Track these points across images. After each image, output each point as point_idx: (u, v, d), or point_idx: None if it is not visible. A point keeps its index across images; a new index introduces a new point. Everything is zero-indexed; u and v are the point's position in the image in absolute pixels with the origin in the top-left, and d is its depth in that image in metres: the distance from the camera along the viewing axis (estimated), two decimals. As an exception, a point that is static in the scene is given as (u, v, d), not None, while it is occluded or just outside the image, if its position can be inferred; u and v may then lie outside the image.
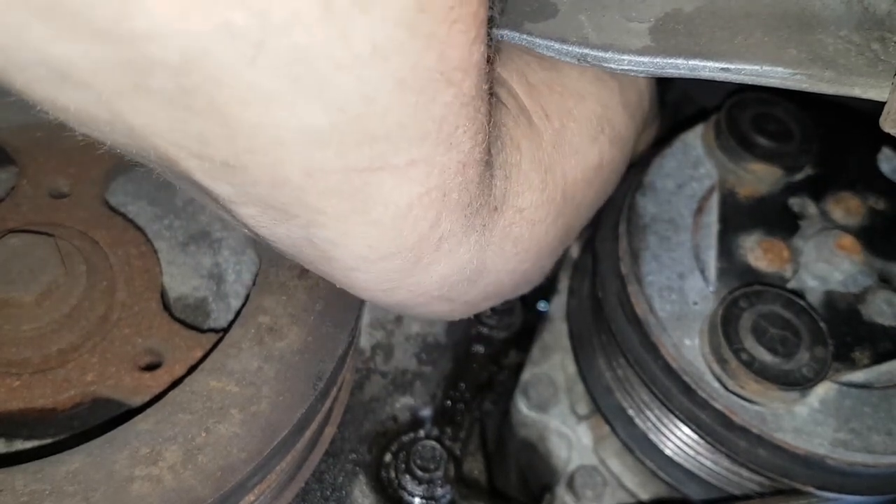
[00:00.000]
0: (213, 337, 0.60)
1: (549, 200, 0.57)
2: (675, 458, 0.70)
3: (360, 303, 0.61)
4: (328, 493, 0.66)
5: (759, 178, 0.75)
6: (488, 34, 0.41)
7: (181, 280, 0.68)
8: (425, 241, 0.47)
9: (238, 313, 0.58)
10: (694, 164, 0.76)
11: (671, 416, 0.69)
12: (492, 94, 0.46)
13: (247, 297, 0.60)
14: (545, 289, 0.87)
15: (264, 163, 0.38)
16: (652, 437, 0.71)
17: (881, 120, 0.49)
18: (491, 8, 0.41)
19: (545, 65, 0.58)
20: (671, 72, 0.51)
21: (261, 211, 0.43)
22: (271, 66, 0.33)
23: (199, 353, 0.59)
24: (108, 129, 0.37)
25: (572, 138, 0.59)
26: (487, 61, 0.43)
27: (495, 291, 0.61)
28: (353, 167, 0.40)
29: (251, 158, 0.38)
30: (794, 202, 0.75)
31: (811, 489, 0.64)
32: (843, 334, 0.67)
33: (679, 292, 0.69)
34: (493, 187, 0.51)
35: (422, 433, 0.71)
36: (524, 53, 0.58)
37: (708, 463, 0.68)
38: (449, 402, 0.75)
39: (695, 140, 0.78)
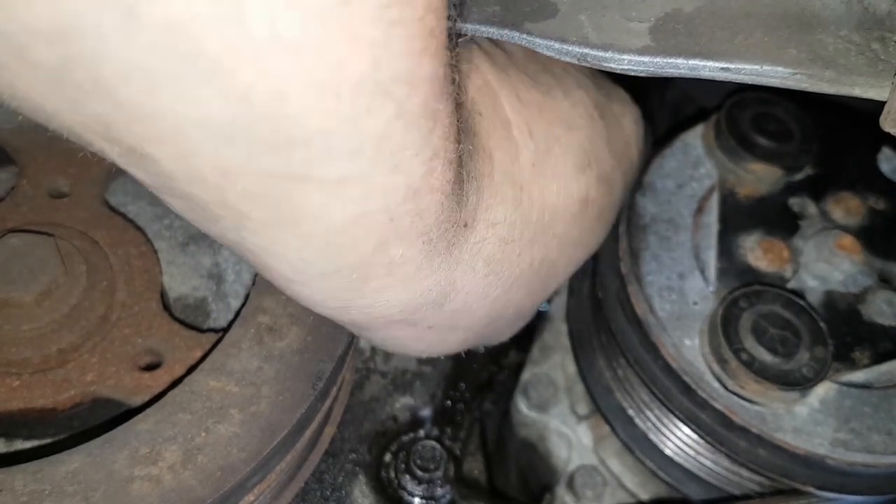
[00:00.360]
0: (213, 337, 0.60)
1: (523, 220, 0.53)
2: (675, 458, 0.70)
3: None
4: (328, 493, 0.66)
5: (759, 177, 0.75)
6: (450, 49, 0.38)
7: (181, 280, 0.68)
8: (370, 262, 0.43)
9: (238, 313, 0.58)
10: (694, 163, 0.76)
11: (671, 416, 0.69)
12: (459, 115, 0.42)
13: (246, 297, 0.60)
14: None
15: (172, 154, 0.35)
16: (652, 437, 0.71)
17: (881, 119, 0.49)
18: (450, 21, 0.37)
19: (541, 89, 0.57)
20: (671, 71, 0.51)
21: (188, 206, 0.40)
22: (149, 39, 0.30)
23: (198, 353, 0.59)
24: (14, 103, 0.35)
25: (556, 163, 0.56)
26: (451, 81, 0.40)
27: (465, 322, 0.56)
28: (270, 172, 0.36)
29: (156, 148, 0.35)
30: (794, 202, 0.75)
31: (811, 489, 0.64)
32: (843, 334, 0.67)
33: (679, 292, 0.69)
34: (464, 203, 0.47)
35: (422, 433, 0.71)
36: (521, 74, 0.56)
37: (708, 463, 0.68)
38: (449, 402, 0.75)
39: (695, 140, 0.78)
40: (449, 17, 0.37)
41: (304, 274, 0.44)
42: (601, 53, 0.51)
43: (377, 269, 0.44)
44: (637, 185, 0.75)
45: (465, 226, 0.48)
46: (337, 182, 0.37)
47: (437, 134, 0.40)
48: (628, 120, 0.67)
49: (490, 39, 0.55)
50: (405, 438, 0.70)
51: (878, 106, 0.49)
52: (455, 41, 0.39)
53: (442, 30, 0.36)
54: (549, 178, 0.55)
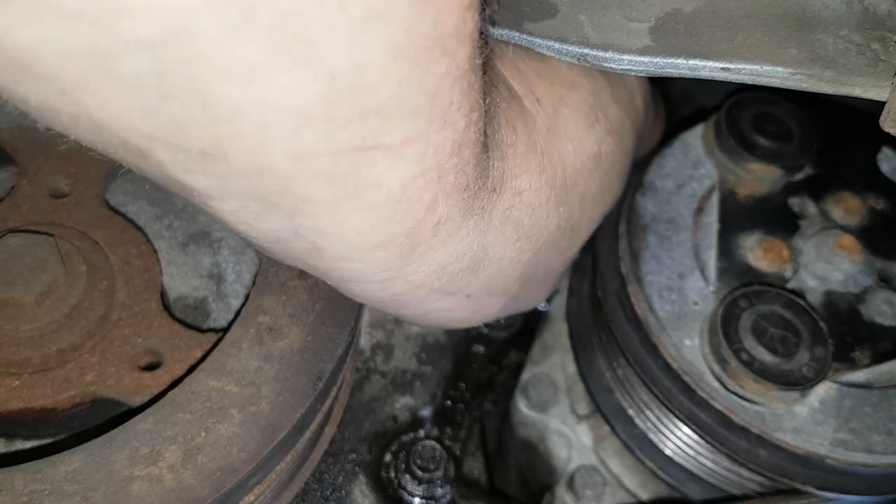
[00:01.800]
0: (213, 337, 0.60)
1: (548, 184, 0.55)
2: (675, 457, 0.70)
3: (360, 303, 0.61)
4: (328, 493, 0.66)
5: (759, 177, 0.75)
6: (482, 5, 0.39)
7: (181, 280, 0.68)
8: (421, 226, 0.44)
9: (238, 313, 0.58)
10: (694, 163, 0.76)
11: (671, 416, 0.69)
12: (486, 72, 0.44)
13: (246, 297, 0.60)
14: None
15: (246, 149, 0.35)
16: (652, 436, 0.71)
17: (881, 119, 0.49)
18: None
19: (535, 56, 0.57)
20: (671, 71, 0.51)
21: (241, 205, 0.40)
22: (259, 33, 0.30)
23: (198, 353, 0.59)
24: (73, 123, 0.34)
25: (566, 124, 0.57)
26: (480, 34, 0.40)
27: (500, 286, 0.58)
28: (343, 147, 0.36)
29: (232, 145, 0.35)
30: (794, 202, 0.75)
31: (811, 489, 0.64)
32: (843, 334, 0.67)
33: (679, 292, 0.69)
34: (490, 168, 0.48)
35: (422, 433, 0.71)
36: (513, 45, 0.57)
37: (708, 463, 0.68)
38: (449, 402, 0.75)
39: (695, 140, 0.78)
40: None
41: (359, 249, 0.43)
42: (601, 53, 0.51)
43: (425, 231, 0.44)
44: (637, 184, 0.75)
45: (494, 191, 0.49)
46: (400, 145, 0.38)
47: (476, 87, 0.41)
48: (632, 78, 0.68)
49: None
50: (405, 438, 0.70)
51: (879, 106, 0.49)
52: None
53: None
54: (564, 140, 0.56)
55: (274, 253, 0.47)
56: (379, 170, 0.38)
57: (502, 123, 0.50)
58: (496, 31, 0.53)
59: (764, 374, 0.61)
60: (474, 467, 0.75)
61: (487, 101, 0.44)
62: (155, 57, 0.30)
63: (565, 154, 0.57)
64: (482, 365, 0.80)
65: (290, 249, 0.44)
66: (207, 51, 0.30)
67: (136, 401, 0.57)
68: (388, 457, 0.69)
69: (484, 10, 0.40)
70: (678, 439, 0.69)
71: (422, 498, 0.68)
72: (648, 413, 0.71)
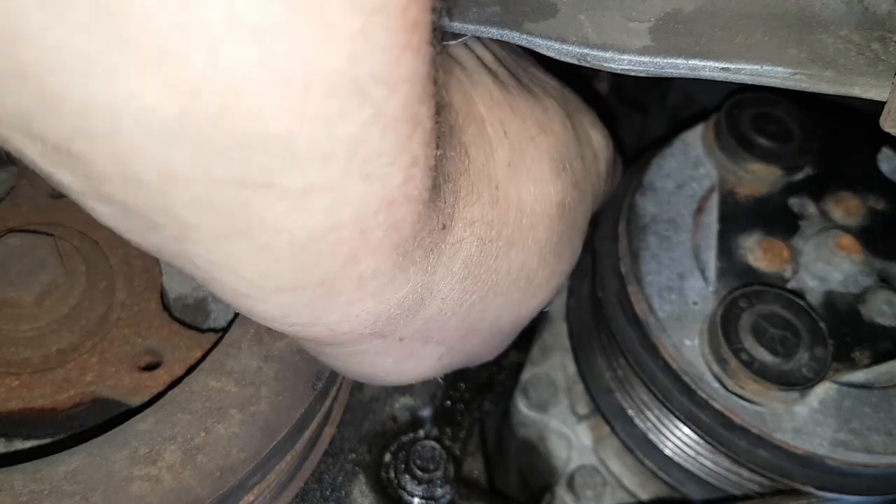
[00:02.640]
0: (213, 337, 0.60)
1: (500, 219, 0.50)
2: (675, 458, 0.70)
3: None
4: (327, 493, 0.66)
5: (758, 178, 0.75)
6: (434, 46, 0.34)
7: (180, 280, 0.68)
8: (339, 278, 0.39)
9: (237, 313, 0.58)
10: (694, 164, 0.76)
11: (671, 417, 0.69)
12: (438, 121, 0.39)
13: (246, 297, 0.59)
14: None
15: (105, 154, 0.31)
16: (652, 437, 0.71)
17: (881, 120, 0.49)
18: (435, 14, 0.34)
19: (512, 91, 0.55)
20: (671, 71, 0.51)
21: (120, 213, 0.35)
22: (81, 18, 0.26)
23: (198, 353, 0.59)
24: None
25: (531, 164, 0.53)
26: (434, 81, 0.36)
27: (438, 331, 0.51)
28: (223, 177, 0.32)
29: (87, 146, 0.30)
30: (794, 202, 0.75)
31: (811, 489, 0.64)
32: (843, 334, 0.67)
33: (679, 292, 0.69)
34: (439, 207, 0.43)
35: (421, 433, 0.71)
36: (492, 75, 0.55)
37: (708, 463, 0.68)
38: (448, 403, 0.75)
39: (695, 140, 0.78)
40: (434, 10, 0.33)
41: (260, 289, 0.39)
42: (601, 53, 0.51)
43: (346, 285, 0.40)
44: (637, 184, 0.75)
45: (444, 228, 0.45)
46: (302, 191, 0.33)
47: (417, 139, 0.36)
48: (597, 135, 0.64)
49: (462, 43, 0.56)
50: (405, 438, 0.70)
51: (879, 106, 0.49)
52: (439, 36, 0.36)
53: (426, 23, 0.33)
54: (525, 179, 0.52)
55: (180, 271, 0.42)
56: (275, 212, 0.34)
57: (456, 149, 0.46)
58: (496, 32, 0.53)
59: (764, 374, 0.61)
60: (474, 467, 0.75)
61: (439, 153, 0.40)
62: None
63: (524, 194, 0.52)
64: (482, 365, 0.80)
65: (188, 272, 0.40)
66: (23, 29, 0.26)
67: (136, 401, 0.57)
68: (387, 457, 0.69)
69: (438, 44, 0.35)
70: (678, 439, 0.69)
71: (421, 498, 0.67)
72: (648, 413, 0.71)
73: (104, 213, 0.36)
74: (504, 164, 0.51)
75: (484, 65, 0.56)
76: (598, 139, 0.64)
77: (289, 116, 0.30)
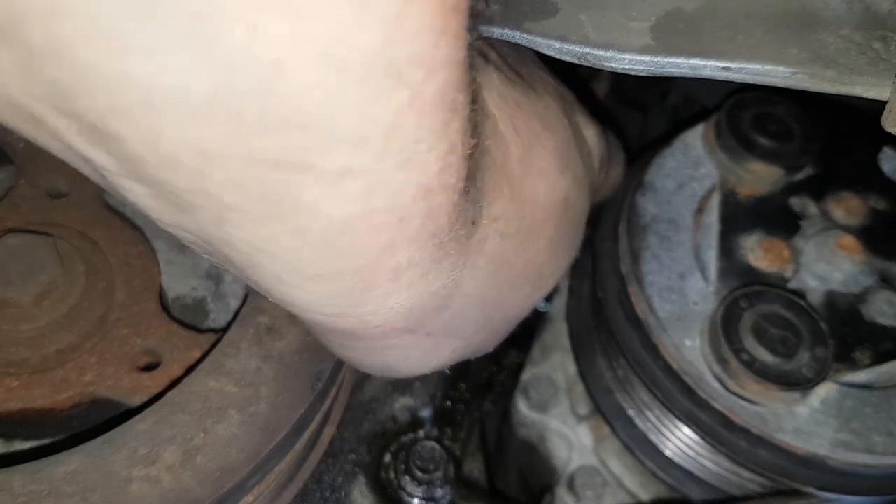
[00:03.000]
0: (212, 337, 0.60)
1: (518, 215, 0.51)
2: (676, 458, 0.70)
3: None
4: (327, 493, 0.66)
5: (759, 177, 0.75)
6: (470, 31, 0.34)
7: (180, 280, 0.68)
8: (375, 267, 0.39)
9: (237, 313, 0.58)
10: (694, 163, 0.76)
11: (671, 417, 0.69)
12: (474, 107, 0.39)
13: (245, 298, 0.59)
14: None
15: (139, 132, 0.30)
16: (652, 437, 0.71)
17: (882, 119, 0.49)
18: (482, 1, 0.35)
19: (517, 88, 0.55)
20: (672, 71, 0.51)
21: (156, 193, 0.35)
22: None
23: (197, 354, 0.59)
24: None
25: (540, 161, 0.53)
26: (470, 67, 0.36)
27: (460, 326, 0.52)
28: (260, 157, 0.32)
29: (121, 124, 0.30)
30: (795, 202, 0.75)
31: (812, 490, 0.64)
32: (844, 334, 0.67)
33: (679, 292, 0.68)
34: (474, 198, 0.44)
35: (421, 434, 0.71)
36: (497, 71, 0.55)
37: (708, 464, 0.68)
38: (449, 403, 0.75)
39: (695, 140, 0.78)
40: None
41: (298, 275, 0.39)
42: (602, 52, 0.51)
43: (382, 274, 0.40)
44: (637, 184, 0.74)
45: (473, 223, 0.45)
46: (338, 174, 0.33)
47: (455, 127, 0.36)
48: (590, 132, 0.65)
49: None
50: (405, 439, 0.70)
51: (880, 105, 0.49)
52: (475, 22, 0.35)
53: (465, 8, 0.32)
54: (535, 175, 0.53)
55: (216, 260, 0.42)
56: (312, 195, 0.34)
57: (480, 145, 0.46)
58: (496, 31, 0.53)
59: (764, 374, 0.61)
60: (474, 468, 0.75)
61: (473, 143, 0.40)
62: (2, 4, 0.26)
63: (538, 190, 0.53)
64: (482, 365, 0.80)
65: (226, 258, 0.39)
66: (62, 5, 0.26)
67: (135, 401, 0.57)
68: (387, 457, 0.69)
69: (474, 31, 0.35)
70: (678, 440, 0.69)
71: (421, 499, 0.67)
72: (649, 413, 0.71)
73: (140, 194, 0.35)
74: (517, 160, 0.51)
75: (490, 62, 0.56)
76: (591, 136, 0.65)
77: (323, 96, 0.30)
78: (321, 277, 0.39)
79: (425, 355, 0.52)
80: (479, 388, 0.78)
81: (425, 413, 0.73)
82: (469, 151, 0.39)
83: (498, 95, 0.52)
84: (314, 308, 0.42)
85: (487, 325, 0.57)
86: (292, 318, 0.57)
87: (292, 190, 0.33)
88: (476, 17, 0.35)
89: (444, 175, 0.37)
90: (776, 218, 0.73)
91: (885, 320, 0.68)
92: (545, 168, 0.54)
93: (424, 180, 0.36)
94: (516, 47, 0.60)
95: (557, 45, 0.51)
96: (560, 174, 0.56)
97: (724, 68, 0.50)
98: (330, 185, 0.33)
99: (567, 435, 0.78)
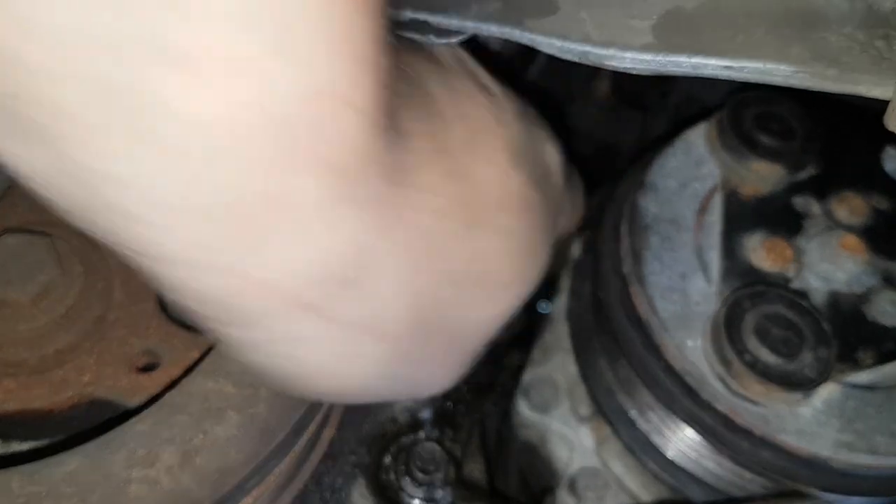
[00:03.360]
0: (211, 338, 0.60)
1: (457, 197, 0.45)
2: (678, 460, 0.69)
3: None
4: (327, 495, 0.66)
5: (762, 177, 0.74)
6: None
7: (179, 280, 0.68)
8: (257, 200, 0.32)
9: (236, 314, 0.58)
10: (696, 163, 0.76)
11: (673, 418, 0.68)
12: (401, 68, 0.36)
13: (245, 298, 0.59)
14: (546, 289, 0.86)
15: None
16: (654, 438, 0.70)
17: (885, 118, 0.48)
18: None
19: (473, 84, 0.51)
20: (673, 69, 0.50)
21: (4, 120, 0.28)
22: None
23: (196, 354, 0.59)
24: None
25: (487, 148, 0.49)
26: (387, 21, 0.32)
27: (382, 320, 0.42)
28: (103, 41, 0.26)
29: None
30: (798, 201, 0.74)
31: (814, 491, 0.63)
32: (847, 335, 0.66)
33: (681, 293, 0.68)
34: (396, 154, 0.38)
35: (422, 435, 0.71)
36: (454, 66, 0.53)
37: (711, 465, 0.68)
38: (449, 404, 0.75)
39: (697, 139, 0.77)
40: None
41: (159, 210, 0.31)
42: (603, 51, 0.50)
43: (267, 211, 0.32)
44: (639, 184, 0.74)
45: (396, 184, 0.38)
46: (202, 61, 0.27)
47: (367, 37, 0.30)
48: (551, 149, 0.60)
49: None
50: (405, 440, 0.70)
51: (883, 104, 0.48)
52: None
53: None
54: (483, 162, 0.47)
55: (60, 209, 0.34)
56: (171, 91, 0.27)
57: (413, 109, 0.42)
58: (497, 29, 0.52)
59: (767, 375, 0.61)
60: (474, 469, 0.75)
61: (396, 101, 0.35)
62: None
63: (485, 176, 0.47)
64: (483, 366, 0.80)
65: (70, 201, 0.32)
66: None
67: (134, 402, 0.57)
68: (387, 459, 0.69)
69: None
70: (680, 441, 0.69)
71: (422, 500, 0.67)
72: (650, 415, 0.71)
73: None
74: (461, 140, 0.46)
75: (446, 59, 0.54)
76: (551, 152, 0.60)
77: None
78: (190, 213, 0.31)
79: (340, 357, 0.43)
80: (480, 389, 0.78)
81: (425, 414, 0.73)
82: (388, 81, 0.33)
83: (446, 84, 0.49)
84: (185, 255, 0.34)
85: (426, 330, 0.46)
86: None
87: (146, 85, 0.27)
88: None
89: (346, 84, 0.30)
90: (779, 217, 0.73)
91: (888, 320, 0.68)
92: (494, 156, 0.49)
93: (320, 81, 0.29)
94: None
95: (558, 43, 0.51)
96: (512, 168, 0.50)
97: (725, 67, 0.50)
98: (193, 75, 0.27)
99: (568, 436, 0.78)
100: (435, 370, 0.52)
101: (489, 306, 0.51)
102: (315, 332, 0.40)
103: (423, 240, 0.42)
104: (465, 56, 0.57)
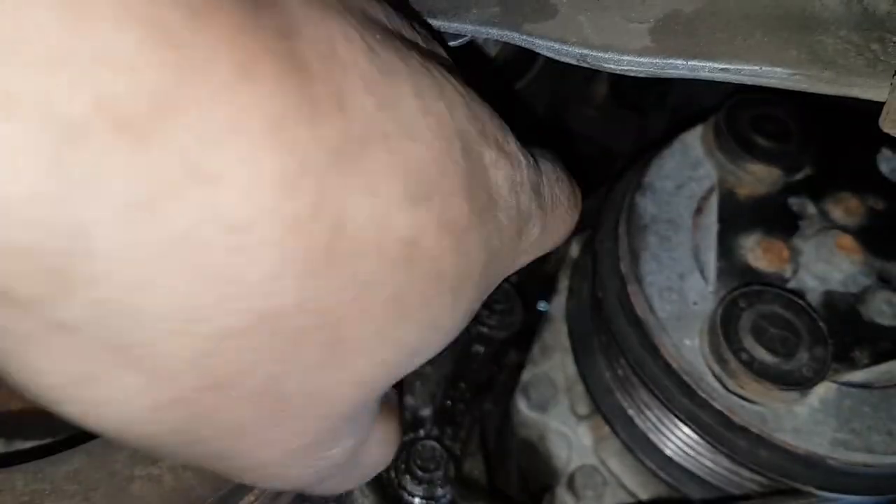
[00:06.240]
0: (214, 337, 0.60)
1: (304, 215, 0.30)
2: (676, 458, 0.70)
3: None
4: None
5: (758, 178, 0.75)
6: None
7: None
8: None
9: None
10: (693, 164, 0.76)
11: (671, 417, 0.69)
12: None
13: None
14: (545, 289, 0.87)
15: None
16: (652, 437, 0.71)
17: (880, 120, 0.49)
18: None
19: (378, 66, 0.35)
20: (671, 72, 0.51)
21: None
22: None
23: (199, 354, 0.59)
24: None
25: (373, 172, 0.33)
26: None
27: (142, 349, 0.29)
28: None
29: None
30: (794, 202, 0.75)
31: (811, 489, 0.64)
32: (843, 334, 0.67)
33: (679, 292, 0.69)
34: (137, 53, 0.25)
35: (422, 433, 0.71)
36: (395, 40, 0.37)
37: (708, 463, 0.68)
38: (449, 402, 0.75)
39: (694, 141, 0.78)
40: None
41: None
42: (601, 54, 0.51)
43: None
44: (636, 185, 0.75)
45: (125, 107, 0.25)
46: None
47: None
48: (501, 176, 0.42)
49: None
50: (405, 438, 0.70)
51: (878, 106, 0.49)
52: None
53: None
54: (356, 189, 0.32)
55: None
56: None
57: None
58: (496, 33, 0.53)
59: (764, 374, 0.61)
60: (474, 467, 0.75)
61: None
62: None
63: (350, 205, 0.32)
64: (482, 365, 0.80)
65: None
66: None
67: (137, 401, 0.57)
68: (388, 457, 0.69)
69: None
70: (678, 439, 0.69)
71: (422, 498, 0.67)
72: (648, 413, 0.71)
73: None
74: (329, 148, 0.31)
75: (396, 28, 0.39)
76: (501, 180, 0.42)
77: None
78: None
79: (84, 382, 0.31)
80: (480, 388, 0.79)
81: (425, 412, 0.73)
82: None
83: (369, 57, 0.34)
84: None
85: (231, 391, 0.33)
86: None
87: None
88: None
89: None
90: (775, 218, 0.73)
91: (883, 320, 0.68)
92: (378, 185, 0.33)
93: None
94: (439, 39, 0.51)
95: (556, 46, 0.52)
96: (407, 203, 0.35)
97: (722, 70, 0.50)
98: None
99: (567, 434, 0.79)
100: (262, 448, 0.38)
101: (340, 376, 0.37)
102: (16, 324, 0.29)
103: (210, 256, 0.29)
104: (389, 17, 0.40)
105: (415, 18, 0.45)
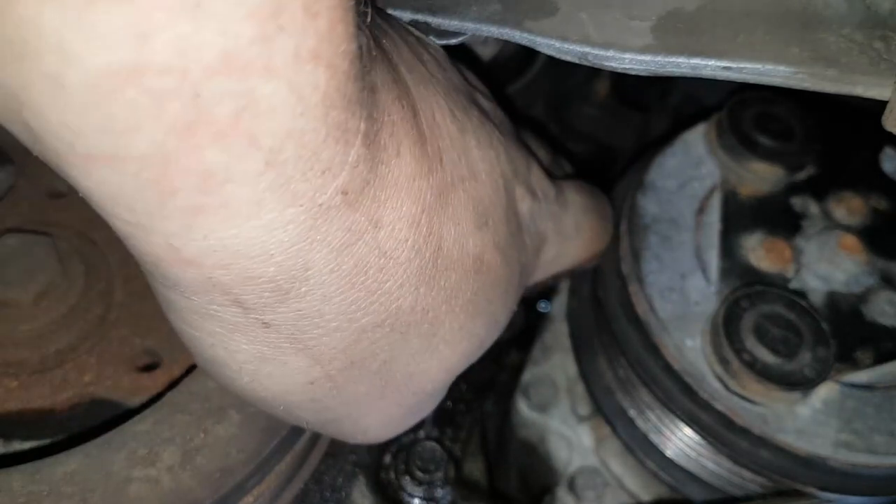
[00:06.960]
0: (212, 337, 0.60)
1: (413, 245, 0.42)
2: (677, 459, 0.70)
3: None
4: (327, 494, 0.66)
5: (761, 177, 0.74)
6: None
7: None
8: (168, 156, 0.29)
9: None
10: (695, 163, 0.76)
11: (672, 417, 0.69)
12: (375, 50, 0.37)
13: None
14: (546, 289, 0.86)
15: None
16: (653, 438, 0.71)
17: (883, 119, 0.48)
18: None
19: (457, 123, 0.47)
20: (672, 70, 0.50)
21: None
22: None
23: (197, 354, 0.59)
24: None
25: (457, 205, 0.45)
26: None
27: (313, 333, 0.40)
28: None
29: None
30: (797, 202, 0.75)
31: (813, 490, 0.63)
32: (846, 334, 0.67)
33: (680, 292, 0.68)
34: (348, 163, 0.35)
35: (422, 434, 0.71)
36: (447, 98, 0.48)
37: (709, 464, 0.68)
38: (449, 403, 0.75)
39: (696, 139, 0.77)
40: None
41: (71, 152, 0.30)
42: (602, 52, 0.50)
43: (179, 164, 0.30)
44: (638, 184, 0.74)
45: (344, 194, 0.35)
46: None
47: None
48: (525, 206, 0.55)
49: (430, 54, 0.51)
50: (405, 439, 0.70)
51: (881, 105, 0.48)
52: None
53: None
54: (448, 219, 0.44)
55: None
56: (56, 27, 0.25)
57: (388, 131, 0.39)
58: (497, 30, 0.52)
59: (766, 374, 0.61)
60: (474, 468, 0.75)
61: (366, 88, 0.34)
62: None
63: (445, 234, 0.44)
64: (482, 365, 0.80)
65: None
66: None
67: (135, 402, 0.57)
68: (387, 458, 0.69)
69: None
70: (679, 440, 0.69)
71: (421, 499, 0.67)
72: (650, 414, 0.71)
73: None
74: (435, 192, 0.43)
75: (443, 87, 0.48)
76: (524, 209, 0.55)
77: None
78: (97, 159, 0.30)
79: (260, 360, 0.41)
80: (480, 388, 0.78)
81: (425, 413, 0.73)
82: (357, 45, 0.32)
83: (434, 120, 0.45)
84: (110, 211, 0.34)
85: (360, 369, 0.44)
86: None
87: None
88: None
89: (289, 57, 0.29)
90: (777, 218, 0.73)
91: (886, 320, 0.68)
92: (461, 216, 0.46)
93: (237, 44, 0.27)
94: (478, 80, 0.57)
95: (558, 44, 0.51)
96: (476, 229, 0.47)
97: (724, 68, 0.50)
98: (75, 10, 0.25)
99: (568, 435, 0.78)
100: (368, 415, 0.50)
101: (431, 360, 0.48)
102: (236, 320, 0.39)
103: (363, 271, 0.40)
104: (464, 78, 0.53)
105: (471, 73, 0.57)
